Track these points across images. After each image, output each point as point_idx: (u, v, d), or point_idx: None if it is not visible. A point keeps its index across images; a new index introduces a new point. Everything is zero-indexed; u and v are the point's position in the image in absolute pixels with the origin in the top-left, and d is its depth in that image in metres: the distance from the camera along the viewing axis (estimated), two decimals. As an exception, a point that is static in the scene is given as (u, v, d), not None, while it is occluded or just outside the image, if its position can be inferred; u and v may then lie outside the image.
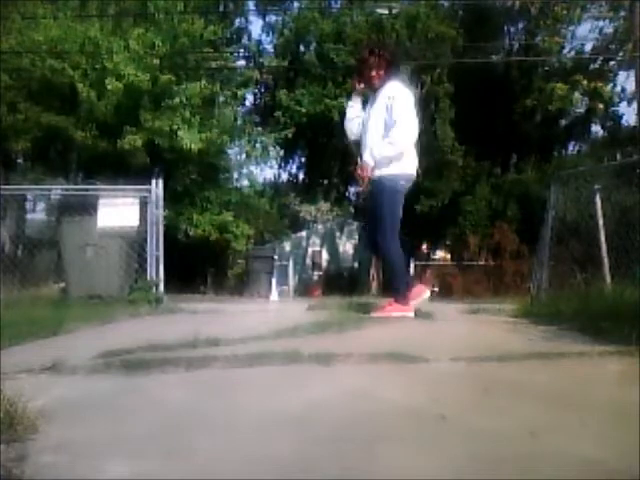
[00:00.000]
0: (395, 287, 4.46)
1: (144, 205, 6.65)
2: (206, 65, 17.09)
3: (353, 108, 4.56)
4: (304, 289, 20.48)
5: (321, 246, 24.10)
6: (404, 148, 4.31)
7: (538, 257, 6.67)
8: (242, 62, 21.22)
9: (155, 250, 6.56)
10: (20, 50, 14.07)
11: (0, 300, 5.47)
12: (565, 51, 22.54)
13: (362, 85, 4.47)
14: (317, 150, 23.82)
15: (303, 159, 25.82)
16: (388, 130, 4.27)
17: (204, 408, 1.83)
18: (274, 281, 15.57)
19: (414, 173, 4.47)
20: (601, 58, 21.58)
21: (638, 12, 13.79)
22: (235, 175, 18.93)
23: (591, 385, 2.14)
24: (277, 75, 22.36)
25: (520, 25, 23.02)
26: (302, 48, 22.14)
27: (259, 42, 22.67)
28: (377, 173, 4.33)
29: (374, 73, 4.35)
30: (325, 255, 24.00)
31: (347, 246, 23.50)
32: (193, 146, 14.67)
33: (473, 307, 5.62)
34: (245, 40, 22.62)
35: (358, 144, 4.51)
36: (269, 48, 22.28)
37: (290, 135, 18.21)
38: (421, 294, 4.52)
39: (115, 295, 6.13)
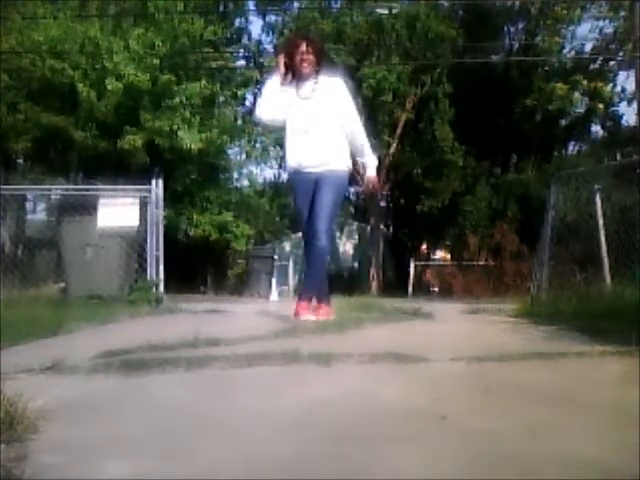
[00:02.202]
0: (318, 286, 4.31)
1: (144, 205, 6.66)
2: (206, 65, 17.11)
3: (272, 89, 4.28)
4: (304, 289, 20.46)
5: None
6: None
7: (538, 257, 6.67)
8: (242, 62, 21.23)
9: (155, 250, 6.57)
10: (20, 50, 14.08)
11: (0, 300, 5.48)
12: (565, 51, 22.57)
13: (289, 75, 4.25)
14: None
15: (303, 159, 25.80)
16: (344, 127, 4.22)
17: (204, 408, 1.83)
18: (274, 281, 15.58)
19: None
20: (601, 58, 21.58)
21: (638, 12, 13.79)
22: (235, 175, 18.97)
23: (591, 385, 2.14)
24: (277, 75, 22.35)
25: (520, 25, 23.02)
26: (302, 48, 22.12)
27: (259, 42, 22.67)
28: (332, 166, 4.22)
29: (305, 60, 4.18)
30: (325, 255, 23.94)
31: (347, 246, 23.52)
32: (193, 146, 14.68)
33: (473, 307, 5.63)
34: (245, 40, 22.62)
35: (276, 128, 4.47)
36: (269, 48, 22.27)
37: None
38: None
39: (115, 295, 6.14)
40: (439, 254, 24.38)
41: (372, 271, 21.12)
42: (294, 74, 4.24)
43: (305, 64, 4.18)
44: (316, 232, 4.14)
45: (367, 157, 4.36)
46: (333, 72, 4.58)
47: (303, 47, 4.18)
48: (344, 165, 4.27)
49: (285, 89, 4.26)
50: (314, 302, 4.23)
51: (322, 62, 4.32)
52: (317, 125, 4.20)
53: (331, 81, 4.28)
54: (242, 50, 21.84)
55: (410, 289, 19.64)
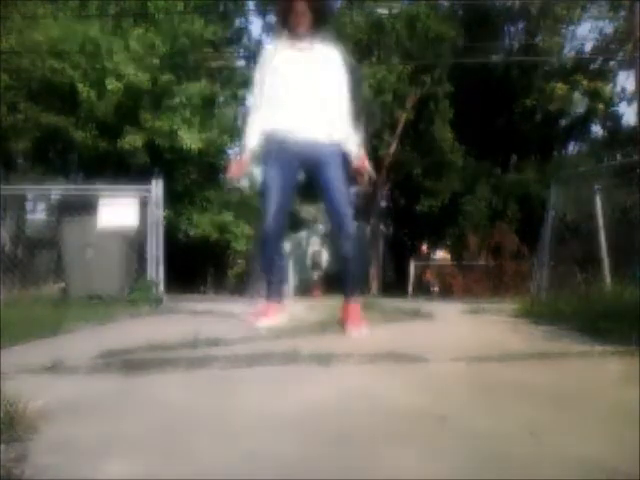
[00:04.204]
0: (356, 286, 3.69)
1: (144, 205, 6.66)
2: (206, 65, 17.10)
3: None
4: (304, 289, 20.47)
5: (321, 246, 24.07)
6: None
7: (538, 257, 6.68)
8: (242, 62, 21.23)
9: (155, 250, 6.57)
10: (20, 50, 14.07)
11: (0, 300, 5.48)
12: (565, 51, 22.55)
13: (284, 30, 3.66)
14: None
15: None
16: (335, 99, 3.59)
17: (204, 408, 1.83)
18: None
19: None
20: (601, 58, 21.58)
21: (638, 12, 13.79)
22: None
23: (591, 385, 2.14)
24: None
25: (520, 25, 23.03)
26: (302, 48, 22.14)
27: (259, 42, 22.65)
28: (334, 137, 3.54)
29: (301, 23, 3.54)
30: (325, 255, 23.97)
31: (347, 246, 23.44)
32: (193, 146, 14.68)
33: (473, 307, 5.61)
34: (245, 40, 22.61)
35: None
36: (269, 48, 22.23)
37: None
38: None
39: (115, 295, 6.13)
40: (439, 254, 24.37)
41: (372, 271, 21.11)
42: (288, 30, 3.63)
43: (301, 26, 3.55)
44: (344, 217, 3.51)
45: (351, 134, 3.62)
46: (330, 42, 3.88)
47: (300, 7, 3.52)
48: (342, 140, 3.59)
49: (277, 44, 3.73)
50: (265, 302, 3.69)
51: (323, 22, 3.68)
52: (316, 84, 3.56)
53: (327, 49, 3.67)
54: (242, 50, 21.84)
55: (410, 289, 19.63)
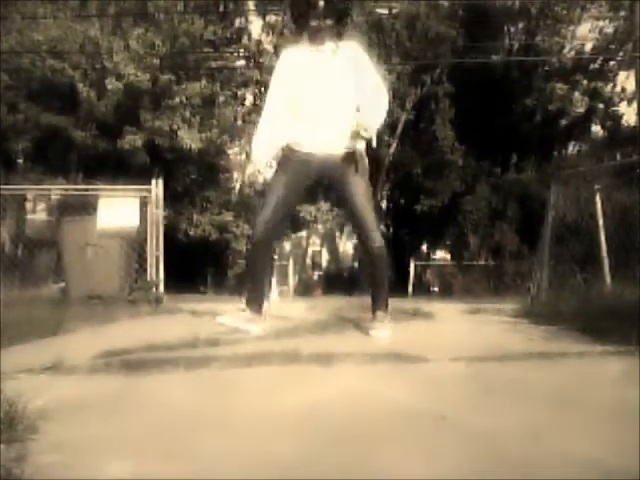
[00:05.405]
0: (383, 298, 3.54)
1: (144, 205, 6.66)
2: (206, 65, 17.12)
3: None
4: (304, 289, 20.49)
5: (321, 246, 24.09)
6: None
7: (538, 257, 6.67)
8: (242, 62, 21.22)
9: (155, 250, 6.58)
10: (20, 50, 14.08)
11: (0, 300, 5.47)
12: (565, 51, 22.54)
13: (299, 38, 3.40)
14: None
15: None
16: (367, 95, 3.32)
17: (204, 408, 1.83)
18: (274, 281, 15.56)
19: None
20: (601, 58, 21.58)
21: (638, 12, 13.79)
22: (235, 175, 18.99)
23: (591, 385, 2.14)
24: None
25: (520, 25, 23.01)
26: (302, 48, 22.13)
27: (259, 42, 22.64)
28: (346, 143, 3.29)
29: (322, 29, 3.29)
30: (325, 255, 23.99)
31: (347, 246, 23.50)
32: (193, 146, 14.69)
33: (473, 307, 5.61)
34: (245, 40, 22.60)
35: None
36: (269, 48, 22.25)
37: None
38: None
39: (115, 295, 6.13)
40: (439, 254, 24.38)
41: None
42: (306, 30, 3.34)
43: (321, 32, 3.28)
44: (370, 232, 3.36)
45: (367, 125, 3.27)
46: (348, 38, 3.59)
47: (320, 8, 3.22)
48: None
49: (294, 50, 3.44)
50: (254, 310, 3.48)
51: (343, 24, 3.50)
52: (339, 96, 3.31)
53: (349, 47, 3.39)
54: (242, 50, 21.83)
55: (410, 289, 19.64)
